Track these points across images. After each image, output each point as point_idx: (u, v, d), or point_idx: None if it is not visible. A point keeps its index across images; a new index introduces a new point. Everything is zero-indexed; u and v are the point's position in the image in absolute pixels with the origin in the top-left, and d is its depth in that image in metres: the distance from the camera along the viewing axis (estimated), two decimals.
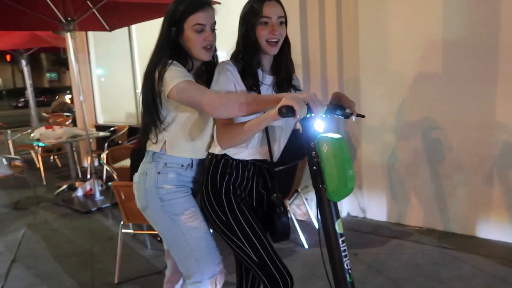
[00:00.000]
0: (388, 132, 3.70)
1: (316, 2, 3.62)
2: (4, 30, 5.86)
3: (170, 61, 1.52)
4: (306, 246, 3.29)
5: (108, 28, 5.48)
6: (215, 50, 1.70)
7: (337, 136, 1.36)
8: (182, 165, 1.64)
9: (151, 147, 1.66)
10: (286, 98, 1.26)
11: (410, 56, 3.47)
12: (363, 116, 1.70)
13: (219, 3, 4.03)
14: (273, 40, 1.53)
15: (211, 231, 1.70)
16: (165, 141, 1.63)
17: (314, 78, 3.75)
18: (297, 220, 3.85)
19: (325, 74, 3.77)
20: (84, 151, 6.88)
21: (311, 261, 3.07)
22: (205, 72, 1.69)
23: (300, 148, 3.24)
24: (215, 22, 1.61)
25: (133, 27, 6.03)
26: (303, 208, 3.85)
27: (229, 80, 1.53)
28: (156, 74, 1.51)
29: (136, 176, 1.70)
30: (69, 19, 4.50)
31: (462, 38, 3.19)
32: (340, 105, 1.58)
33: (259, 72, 1.61)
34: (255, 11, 1.52)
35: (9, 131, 7.58)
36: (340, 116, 1.57)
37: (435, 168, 3.49)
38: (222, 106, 1.40)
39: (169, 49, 1.57)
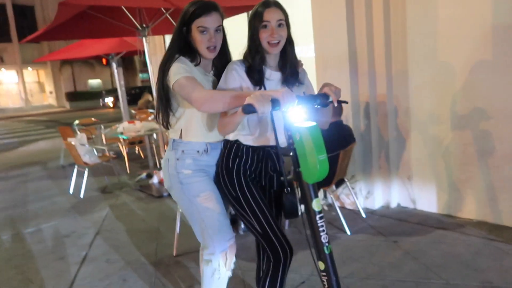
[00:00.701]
0: (437, 123, 3.68)
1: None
2: (94, 38, 6.73)
3: (176, 56, 1.82)
4: (349, 233, 3.45)
5: None
6: (227, 48, 1.96)
7: (310, 125, 1.54)
8: (198, 151, 1.92)
9: (171, 134, 1.97)
10: (249, 97, 1.47)
11: (459, 45, 3.42)
12: (345, 102, 1.77)
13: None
14: (273, 41, 1.76)
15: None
16: (181, 129, 1.92)
17: (361, 72, 3.85)
18: (342, 207, 4.03)
19: (372, 67, 3.84)
20: (162, 143, 7.59)
21: (350, 245, 3.24)
22: (216, 66, 1.95)
23: (342, 138, 3.42)
24: (220, 25, 1.86)
25: None
26: (351, 197, 3.97)
27: (234, 78, 1.79)
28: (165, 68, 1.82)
29: (162, 162, 2.04)
30: (144, 26, 5.08)
31: None
32: (323, 94, 1.70)
33: (266, 69, 1.84)
34: (258, 15, 1.75)
35: (102, 126, 8.62)
36: (318, 106, 1.69)
37: (486, 159, 3.41)
38: (206, 103, 1.66)
39: (180, 45, 1.86)
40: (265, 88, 1.80)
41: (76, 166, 5.65)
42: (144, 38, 5.23)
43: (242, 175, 1.85)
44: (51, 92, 33.10)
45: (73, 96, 30.79)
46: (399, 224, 3.62)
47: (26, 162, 8.59)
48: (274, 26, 1.75)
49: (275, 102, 1.47)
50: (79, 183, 5.50)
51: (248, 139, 1.84)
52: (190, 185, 1.92)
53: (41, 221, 4.51)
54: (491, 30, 3.22)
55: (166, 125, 1.95)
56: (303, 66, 1.98)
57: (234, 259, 2.02)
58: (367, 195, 3.99)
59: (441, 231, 3.38)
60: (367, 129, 3.95)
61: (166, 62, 1.84)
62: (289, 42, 1.84)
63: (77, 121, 8.32)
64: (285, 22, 1.78)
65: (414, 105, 3.80)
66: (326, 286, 1.62)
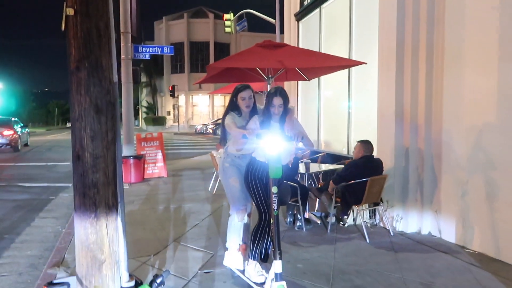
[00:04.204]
0: (461, 168, 4.49)
1: (409, 72, 4.86)
2: (239, 82, 9.08)
3: (229, 112, 3.61)
4: (367, 241, 4.58)
5: (307, 78, 7.78)
6: (256, 106, 3.64)
7: (275, 152, 3.04)
8: (235, 156, 3.63)
9: (226, 146, 3.74)
10: (246, 132, 3.12)
11: (480, 109, 4.26)
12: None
13: (365, 63, 5.72)
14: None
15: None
16: (229, 145, 3.68)
17: (406, 123, 4.94)
18: (384, 227, 5.11)
19: (415, 121, 4.89)
20: None
21: (360, 247, 4.41)
22: (250, 113, 3.63)
23: (370, 169, 4.72)
24: (251, 95, 3.60)
25: (322, 77, 8.16)
26: (384, 218, 5.02)
27: (252, 123, 3.43)
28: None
29: (220, 158, 3.82)
30: (270, 76, 7.04)
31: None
32: (291, 136, 3.22)
33: (270, 121, 3.44)
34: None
35: None
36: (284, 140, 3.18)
37: (492, 202, 4.12)
38: (234, 135, 3.40)
39: (232, 105, 3.65)
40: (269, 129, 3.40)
41: (215, 172, 7.92)
42: (269, 85, 7.21)
43: (253, 175, 3.47)
44: None
45: None
46: (415, 244, 4.55)
47: (193, 167, 11.56)
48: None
49: (259, 135, 3.08)
50: (215, 184, 7.72)
51: (260, 157, 3.48)
52: (227, 172, 3.67)
53: (183, 203, 6.82)
54: (498, 99, 4.03)
55: (223, 142, 3.77)
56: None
57: (246, 217, 3.65)
58: (400, 219, 4.97)
59: (441, 254, 4.23)
60: (407, 167, 4.97)
61: (225, 113, 3.68)
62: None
63: None
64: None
65: (445, 153, 4.69)
66: (272, 231, 3.09)
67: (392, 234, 4.84)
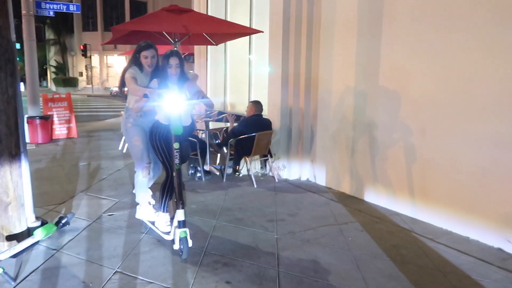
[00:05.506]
0: (332, 125, 5.43)
1: (293, 42, 5.61)
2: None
3: (132, 65, 3.92)
4: (255, 186, 5.40)
5: (214, 43, 8.24)
6: (159, 65, 4.04)
7: (175, 110, 3.54)
8: (136, 114, 4.00)
9: (127, 104, 4.15)
10: (148, 91, 3.54)
11: (340, 75, 5.16)
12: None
13: (262, 32, 6.32)
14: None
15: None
16: (129, 102, 4.08)
17: (290, 87, 5.74)
18: (272, 176, 5.95)
19: (297, 85, 5.71)
20: None
21: (248, 191, 5.22)
22: (152, 74, 4.01)
23: (259, 126, 5.50)
24: (154, 55, 3.91)
25: (228, 43, 8.71)
26: (273, 169, 5.89)
27: (152, 85, 3.82)
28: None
29: (122, 117, 4.23)
30: (176, 40, 7.41)
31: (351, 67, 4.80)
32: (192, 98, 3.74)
33: (168, 83, 3.91)
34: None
35: None
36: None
37: (350, 152, 5.12)
38: (132, 91, 3.75)
39: (135, 61, 3.95)
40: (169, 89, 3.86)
41: None
42: (175, 48, 7.58)
43: (158, 137, 3.84)
44: None
45: None
46: (293, 188, 5.47)
47: (105, 128, 11.62)
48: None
49: (160, 94, 3.48)
50: (125, 144, 8.05)
51: (161, 120, 3.94)
52: (129, 131, 4.04)
53: (93, 160, 7.11)
54: (356, 68, 4.94)
55: (125, 98, 4.16)
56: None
57: (150, 173, 4.15)
58: (284, 168, 5.87)
59: (311, 193, 5.19)
60: (290, 124, 5.82)
61: (126, 67, 4.02)
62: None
63: None
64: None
65: (319, 112, 5.60)
66: (175, 184, 3.65)
67: (277, 181, 5.71)
